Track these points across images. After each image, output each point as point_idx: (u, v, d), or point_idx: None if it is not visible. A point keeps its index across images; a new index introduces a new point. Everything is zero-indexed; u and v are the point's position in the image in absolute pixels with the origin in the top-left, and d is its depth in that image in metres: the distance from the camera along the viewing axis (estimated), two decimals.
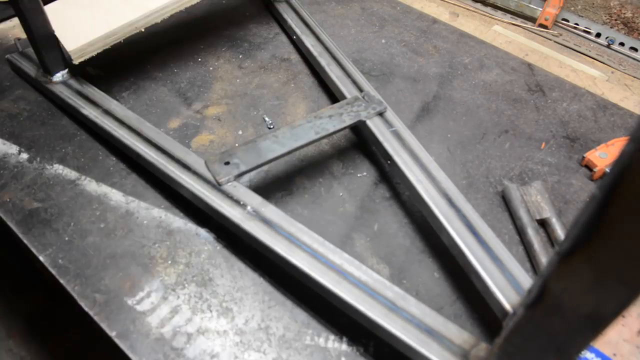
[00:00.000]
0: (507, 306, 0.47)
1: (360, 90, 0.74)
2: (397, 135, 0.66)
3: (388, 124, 0.67)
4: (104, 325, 0.53)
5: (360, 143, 0.75)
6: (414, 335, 0.46)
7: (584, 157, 0.74)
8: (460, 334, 0.47)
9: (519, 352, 0.35)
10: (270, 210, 0.56)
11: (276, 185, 0.68)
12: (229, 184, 0.58)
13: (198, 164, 0.61)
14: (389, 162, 0.64)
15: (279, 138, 0.62)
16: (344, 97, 0.74)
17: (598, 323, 0.26)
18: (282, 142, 0.62)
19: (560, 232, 0.63)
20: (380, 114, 0.69)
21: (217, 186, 0.58)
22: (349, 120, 0.66)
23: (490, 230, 0.54)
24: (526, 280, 0.50)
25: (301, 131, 0.64)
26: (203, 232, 0.62)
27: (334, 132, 0.65)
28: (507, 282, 0.49)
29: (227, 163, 0.59)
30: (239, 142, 0.73)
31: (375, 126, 0.67)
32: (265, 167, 0.70)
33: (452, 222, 0.55)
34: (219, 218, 0.57)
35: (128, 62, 0.85)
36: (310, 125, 0.64)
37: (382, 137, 0.65)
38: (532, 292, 0.29)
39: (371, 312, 0.47)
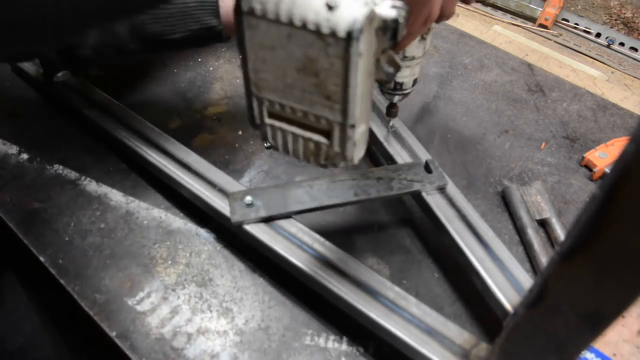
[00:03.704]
0: (508, 306, 0.47)
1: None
2: (398, 136, 0.66)
3: (447, 198, 0.59)
4: (104, 325, 0.53)
5: None
6: (415, 335, 0.46)
7: (583, 157, 0.74)
8: (460, 333, 0.47)
9: (519, 352, 0.35)
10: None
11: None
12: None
13: (199, 164, 0.61)
14: (389, 162, 0.64)
15: (313, 189, 0.57)
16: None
17: (598, 323, 0.26)
18: (315, 195, 0.57)
19: (560, 232, 0.63)
20: (441, 189, 0.60)
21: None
22: (397, 190, 0.59)
23: (491, 230, 0.54)
24: (527, 280, 0.50)
25: (340, 188, 0.58)
26: (203, 232, 0.62)
27: (375, 199, 0.58)
28: (507, 282, 0.49)
29: (249, 204, 0.55)
30: (239, 143, 0.73)
31: (436, 203, 0.58)
32: (265, 167, 0.70)
33: (453, 223, 0.55)
34: (219, 217, 0.57)
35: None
36: (352, 184, 0.58)
37: (442, 215, 0.57)
38: (533, 292, 0.29)
39: (372, 312, 0.47)
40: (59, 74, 0.75)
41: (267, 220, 0.55)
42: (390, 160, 0.65)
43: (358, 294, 0.49)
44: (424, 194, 0.59)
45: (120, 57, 0.60)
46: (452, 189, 0.59)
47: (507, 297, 0.48)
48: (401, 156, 0.64)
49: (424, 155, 0.64)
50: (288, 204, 0.56)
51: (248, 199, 0.55)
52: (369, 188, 0.58)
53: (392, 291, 0.49)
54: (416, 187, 0.59)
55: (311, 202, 0.57)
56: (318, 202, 0.57)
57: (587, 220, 0.22)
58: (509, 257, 0.52)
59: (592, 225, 0.22)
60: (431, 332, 0.46)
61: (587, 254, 0.23)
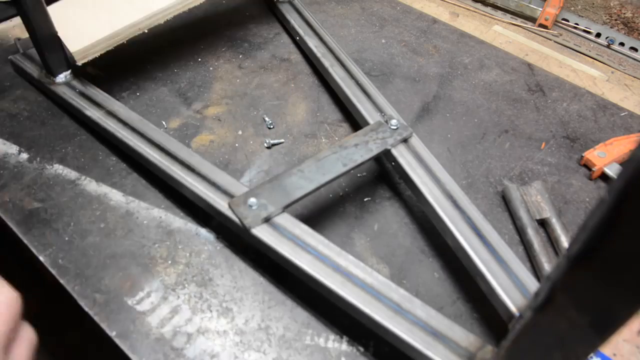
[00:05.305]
0: (513, 308, 0.47)
1: (364, 92, 0.74)
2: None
3: (414, 152, 0.64)
4: (104, 325, 0.53)
5: None
6: (420, 337, 0.46)
7: (582, 157, 0.74)
8: (466, 336, 0.46)
9: (525, 355, 0.35)
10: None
11: None
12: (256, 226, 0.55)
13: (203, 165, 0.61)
14: (393, 163, 0.64)
15: (305, 173, 0.59)
16: (347, 99, 0.73)
17: (606, 327, 0.26)
18: (309, 177, 0.58)
19: (560, 232, 0.63)
20: (405, 140, 0.65)
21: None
22: (375, 149, 0.62)
23: (496, 232, 0.54)
24: (532, 283, 0.50)
25: (327, 164, 0.60)
26: (203, 232, 0.61)
27: (362, 163, 0.61)
28: (512, 284, 0.49)
29: (254, 206, 0.56)
30: (239, 143, 0.73)
31: (401, 155, 0.63)
32: (265, 168, 0.70)
33: (457, 224, 0.55)
34: (219, 217, 0.57)
35: (128, 62, 0.85)
36: (337, 157, 0.61)
37: (408, 167, 0.62)
38: (540, 296, 0.28)
39: (377, 314, 0.47)
40: (61, 75, 0.74)
41: (281, 212, 0.55)
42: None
43: (364, 296, 0.49)
44: (393, 150, 0.63)
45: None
46: (415, 140, 0.65)
47: (512, 300, 0.48)
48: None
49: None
50: (289, 193, 0.57)
51: (252, 200, 0.55)
52: (351, 155, 0.62)
53: (397, 293, 0.49)
54: (389, 143, 0.64)
55: (309, 184, 0.58)
56: (315, 182, 0.58)
57: (596, 225, 0.22)
58: (514, 259, 0.52)
59: (601, 230, 0.22)
60: (437, 335, 0.46)
61: (597, 258, 0.23)
